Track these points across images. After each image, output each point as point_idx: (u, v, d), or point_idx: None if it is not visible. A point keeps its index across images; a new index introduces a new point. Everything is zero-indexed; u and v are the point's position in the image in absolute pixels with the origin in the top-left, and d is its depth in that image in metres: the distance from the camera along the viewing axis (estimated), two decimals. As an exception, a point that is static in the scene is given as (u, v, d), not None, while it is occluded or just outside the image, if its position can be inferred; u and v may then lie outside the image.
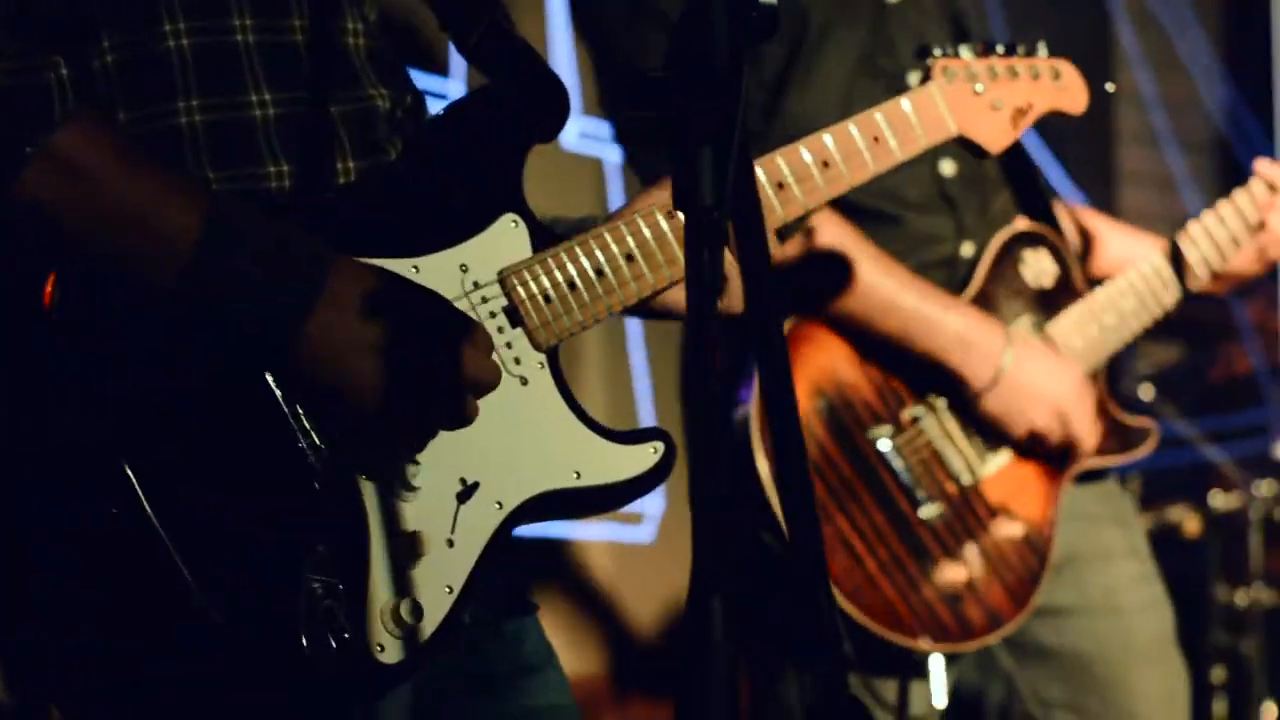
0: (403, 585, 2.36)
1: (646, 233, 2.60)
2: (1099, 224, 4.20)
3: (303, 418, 2.32)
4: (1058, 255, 3.89)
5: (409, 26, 2.90)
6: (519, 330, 2.50)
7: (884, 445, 3.66)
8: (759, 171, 2.69)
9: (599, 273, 2.57)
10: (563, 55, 5.63)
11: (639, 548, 6.25)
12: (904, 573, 3.63)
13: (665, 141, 3.54)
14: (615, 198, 6.06)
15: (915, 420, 3.70)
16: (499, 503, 2.46)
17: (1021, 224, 3.89)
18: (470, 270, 2.49)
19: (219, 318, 2.27)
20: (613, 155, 5.94)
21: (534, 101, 2.57)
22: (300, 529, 2.30)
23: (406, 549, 2.38)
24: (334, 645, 2.29)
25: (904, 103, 2.98)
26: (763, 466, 3.52)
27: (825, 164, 2.78)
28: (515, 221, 2.54)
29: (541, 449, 2.50)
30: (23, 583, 2.27)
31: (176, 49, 2.39)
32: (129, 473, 2.22)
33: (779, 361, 2.01)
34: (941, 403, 3.71)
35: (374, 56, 2.56)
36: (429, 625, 2.38)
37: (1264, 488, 6.35)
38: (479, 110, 2.58)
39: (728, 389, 3.57)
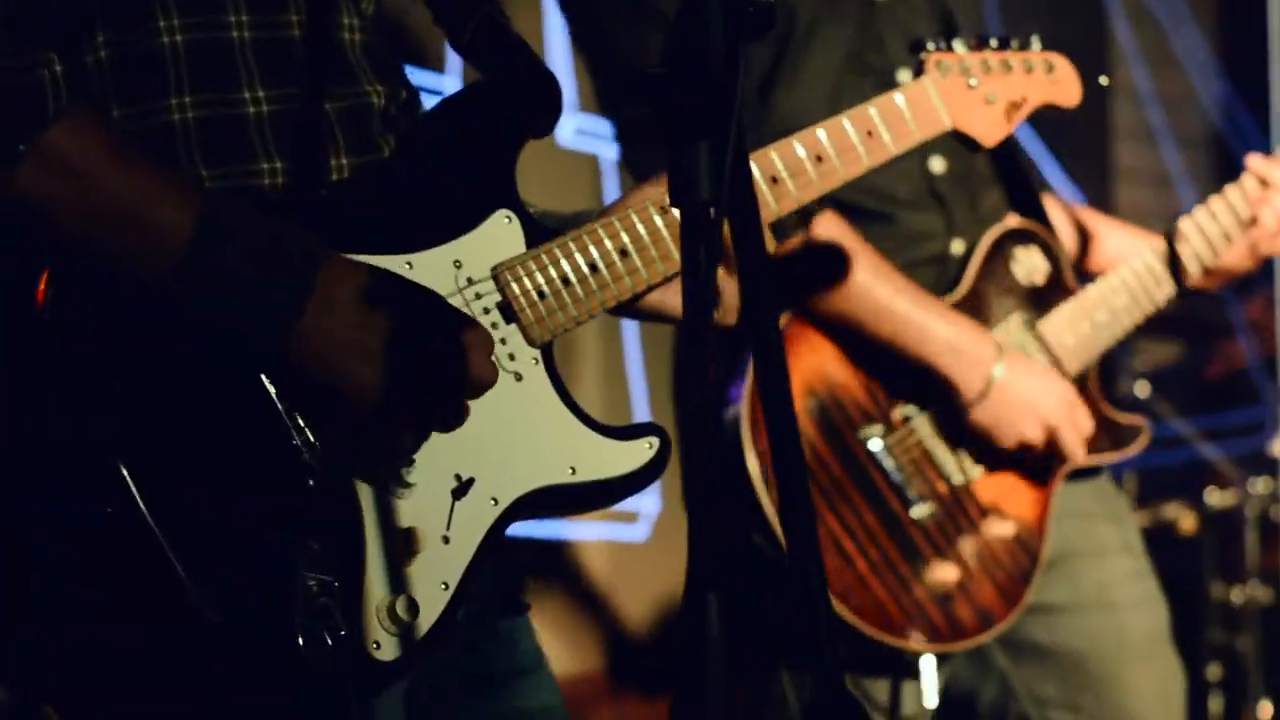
0: (398, 582, 2.36)
1: (641, 228, 2.59)
2: (1096, 221, 4.19)
3: (296, 415, 2.32)
4: (1049, 252, 3.89)
5: (404, 23, 2.90)
6: (513, 326, 2.50)
7: (875, 445, 3.66)
8: (752, 166, 2.68)
9: (593, 268, 2.56)
10: (558, 51, 5.63)
11: (634, 547, 6.26)
12: (895, 573, 3.63)
13: (664, 139, 3.55)
14: (611, 194, 6.06)
15: (906, 420, 3.69)
16: (494, 499, 2.45)
17: (1013, 221, 3.88)
18: (464, 266, 2.48)
19: (212, 315, 2.27)
20: (609, 152, 5.94)
21: (527, 97, 2.57)
22: (295, 527, 2.30)
23: (402, 546, 2.37)
24: (330, 643, 2.29)
25: (898, 97, 2.97)
26: (753, 465, 3.52)
27: (819, 158, 2.78)
28: (509, 217, 2.53)
29: (536, 445, 2.49)
30: (19, 582, 2.26)
31: (170, 45, 2.39)
32: (124, 472, 2.21)
33: (775, 359, 2.01)
34: (932, 410, 3.70)
35: (369, 52, 2.56)
36: (425, 622, 2.38)
37: (1260, 485, 6.36)
38: (472, 106, 2.57)
39: (721, 388, 3.57)
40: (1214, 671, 6.41)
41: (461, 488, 2.43)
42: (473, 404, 2.40)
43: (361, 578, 2.34)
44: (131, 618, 2.24)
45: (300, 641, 2.27)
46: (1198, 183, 7.99)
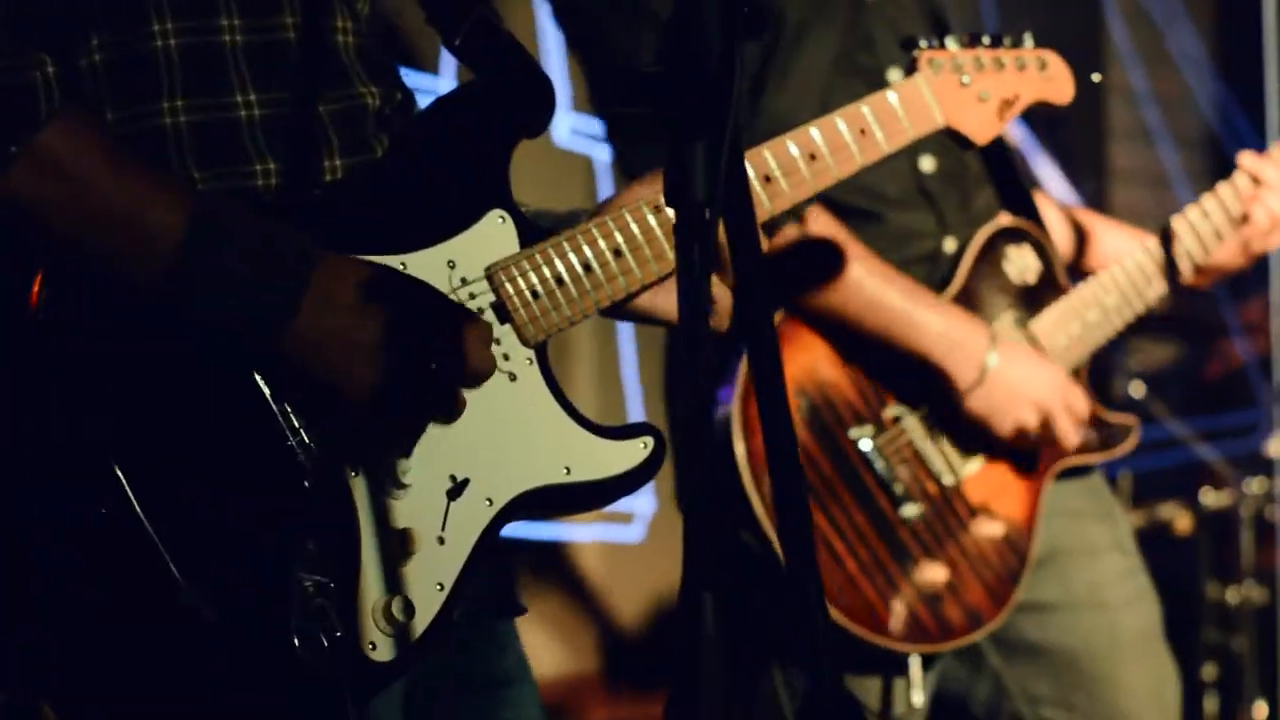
0: (394, 583, 2.36)
1: (635, 227, 2.59)
2: (1092, 221, 4.19)
3: (291, 415, 2.32)
4: (1041, 251, 3.88)
5: (398, 24, 2.90)
6: (507, 326, 2.50)
7: (865, 445, 3.65)
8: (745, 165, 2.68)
9: (587, 268, 2.56)
10: (552, 51, 5.63)
11: (629, 547, 6.27)
12: (884, 573, 3.62)
13: (657, 139, 3.55)
14: (605, 194, 6.04)
15: (897, 420, 3.69)
16: (489, 499, 2.45)
17: (1005, 220, 3.88)
18: (458, 266, 2.48)
19: (207, 315, 2.27)
20: (602, 152, 5.95)
21: (521, 97, 2.57)
22: (290, 527, 2.30)
23: (397, 546, 2.37)
24: (325, 643, 2.29)
25: (890, 95, 2.97)
26: (743, 465, 3.51)
27: (812, 157, 2.78)
28: (503, 217, 2.53)
29: (531, 445, 2.49)
30: (17, 582, 2.26)
31: (163, 49, 2.39)
32: (118, 472, 2.21)
33: (770, 360, 2.01)
34: (923, 409, 3.70)
35: (363, 54, 2.56)
36: (420, 623, 2.38)
37: (1255, 485, 6.36)
38: (466, 106, 2.58)
39: (712, 389, 3.56)
40: (1209, 671, 6.40)
41: (456, 488, 2.43)
42: (468, 404, 2.40)
43: (357, 578, 2.34)
44: (127, 618, 2.24)
45: (296, 642, 2.27)
46: (1194, 183, 8.00)
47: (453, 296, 2.47)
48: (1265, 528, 6.35)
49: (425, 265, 2.45)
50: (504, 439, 2.47)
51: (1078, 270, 4.06)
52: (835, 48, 3.75)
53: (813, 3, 3.74)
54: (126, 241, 2.25)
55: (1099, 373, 3.96)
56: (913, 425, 3.69)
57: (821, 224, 3.64)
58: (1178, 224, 3.96)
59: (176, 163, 2.37)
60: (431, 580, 2.39)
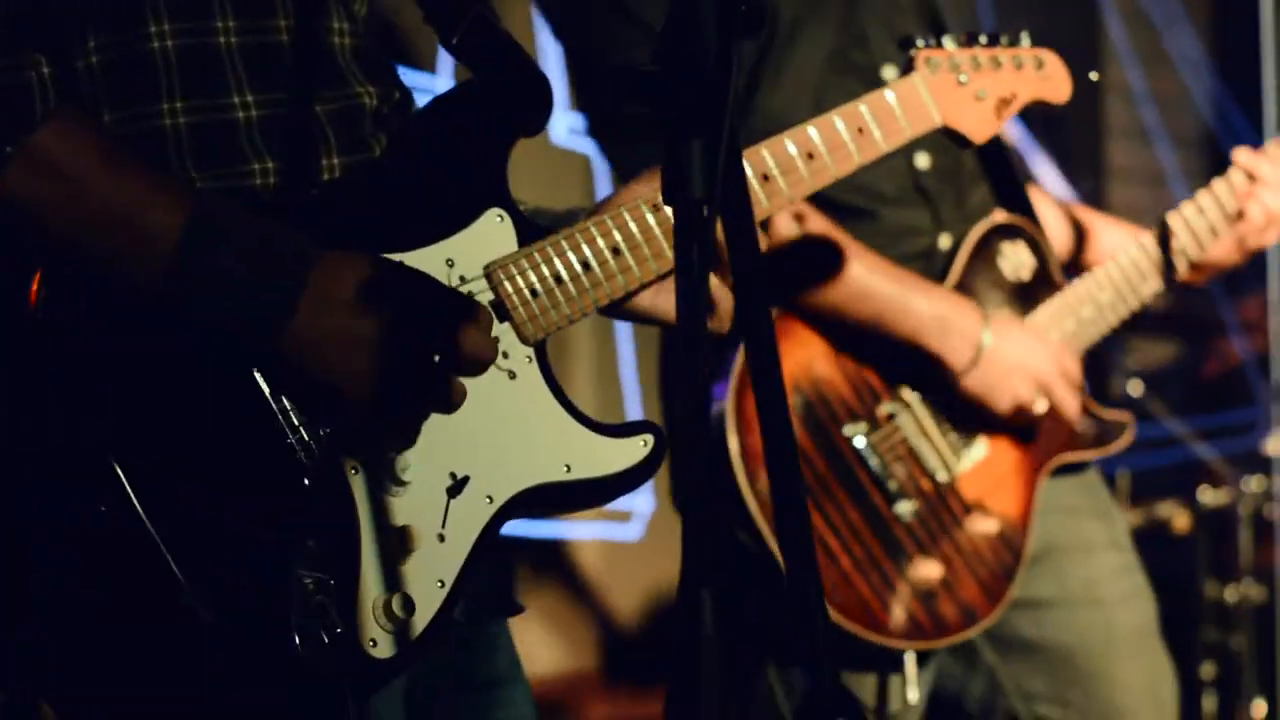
0: (394, 580, 2.36)
1: (633, 226, 2.59)
2: (1090, 217, 4.19)
3: (291, 414, 2.32)
4: (1035, 247, 3.88)
5: (395, 23, 2.90)
6: (506, 325, 2.50)
7: (859, 442, 3.65)
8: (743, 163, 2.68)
9: (586, 267, 2.56)
10: (550, 50, 5.62)
11: (628, 545, 6.27)
12: (879, 570, 3.63)
13: (640, 135, 3.54)
14: (603, 193, 6.04)
15: (891, 417, 3.69)
16: (489, 497, 2.46)
17: (1000, 216, 3.88)
18: (456, 265, 2.49)
19: (205, 316, 2.27)
20: (600, 151, 5.93)
21: (519, 96, 2.57)
22: (290, 525, 2.30)
23: (397, 544, 2.38)
24: (326, 641, 2.29)
25: (888, 94, 2.98)
26: (737, 463, 3.52)
27: (810, 155, 2.78)
28: (501, 216, 2.53)
29: (531, 443, 2.50)
30: (17, 582, 2.26)
31: (161, 50, 2.39)
32: (118, 471, 2.21)
33: (769, 356, 2.01)
34: (917, 398, 3.70)
35: (360, 55, 2.56)
36: (421, 620, 2.38)
37: (1253, 484, 6.36)
38: (464, 104, 2.58)
39: (711, 388, 3.57)
40: (1208, 670, 6.41)
41: (457, 486, 2.43)
42: (467, 402, 2.40)
43: (357, 576, 2.34)
44: (128, 617, 2.24)
45: (296, 640, 2.27)
46: (1191, 181, 8.00)
47: (451, 295, 2.47)
48: (1263, 526, 6.36)
49: (424, 264, 2.45)
50: (504, 436, 2.47)
51: (1076, 266, 4.06)
52: (829, 45, 3.75)
53: (806, 1, 3.74)
54: (124, 243, 2.25)
55: (1097, 371, 3.96)
56: (907, 422, 3.69)
57: (814, 222, 3.64)
58: (1173, 220, 3.96)
59: (175, 163, 2.38)
60: (432, 577, 2.40)
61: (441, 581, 2.41)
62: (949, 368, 3.68)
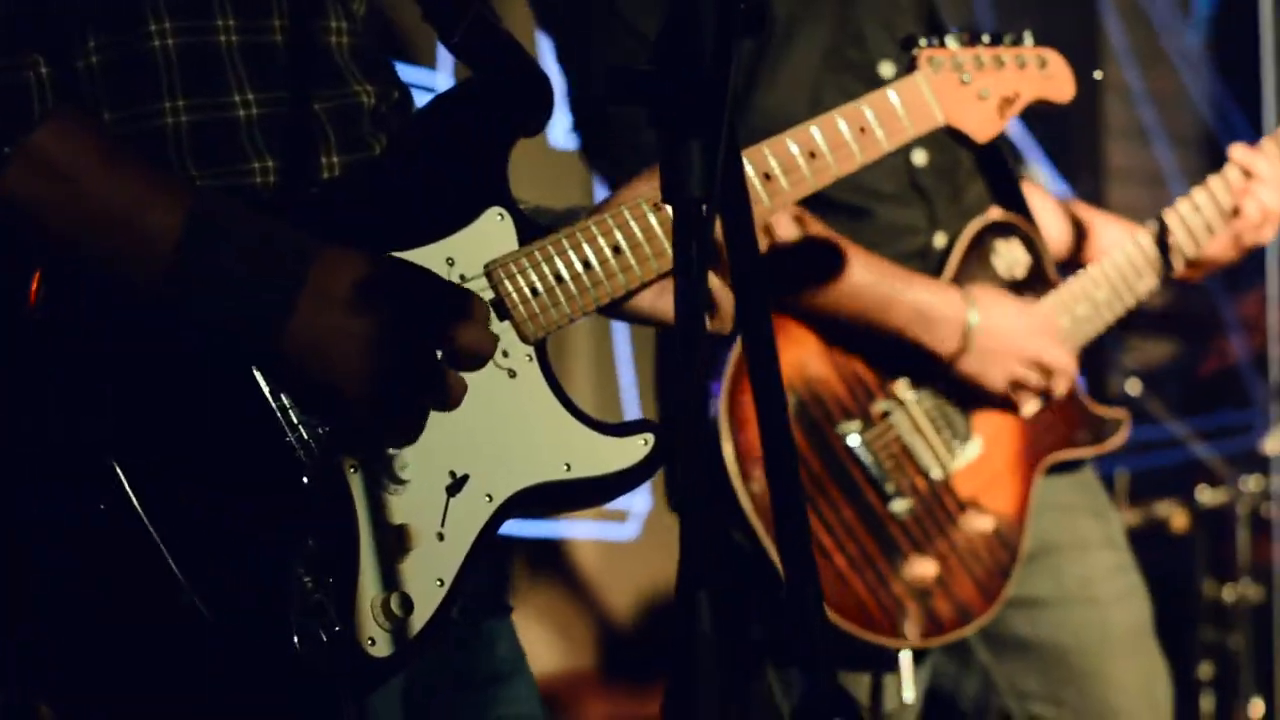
0: (392, 579, 2.36)
1: (634, 225, 2.59)
2: (1090, 215, 4.19)
3: (290, 412, 2.32)
4: (1030, 245, 3.88)
5: (395, 20, 2.89)
6: (506, 323, 2.50)
7: (853, 440, 3.65)
8: (745, 163, 2.68)
9: (586, 265, 2.56)
10: (549, 50, 5.61)
11: (625, 544, 6.27)
12: (873, 569, 3.62)
13: (623, 133, 3.54)
14: (602, 193, 6.04)
15: (885, 415, 3.69)
16: (489, 495, 2.45)
17: (994, 214, 3.87)
18: (456, 264, 2.48)
19: (205, 315, 2.27)
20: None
21: (519, 95, 2.57)
22: (289, 524, 2.30)
23: (396, 542, 2.37)
24: (324, 639, 2.29)
25: (890, 94, 2.98)
26: (730, 462, 3.51)
27: (812, 155, 2.78)
28: (501, 215, 2.53)
29: (531, 441, 2.49)
30: (17, 582, 2.26)
31: (161, 49, 2.39)
32: (117, 470, 2.21)
33: (767, 356, 2.01)
34: (912, 396, 3.70)
35: (357, 53, 2.56)
36: (419, 619, 2.37)
37: (1251, 483, 6.36)
38: (464, 104, 2.57)
39: (708, 387, 3.56)
40: (1205, 670, 6.40)
41: (456, 484, 2.43)
42: (467, 400, 2.39)
43: (356, 574, 2.34)
44: (127, 617, 2.24)
45: (295, 639, 2.26)
46: (1190, 180, 7.98)
47: (451, 294, 2.47)
48: (1261, 525, 6.36)
49: (424, 262, 2.44)
50: (503, 435, 2.47)
51: (1074, 264, 4.05)
52: (825, 43, 3.75)
53: None
54: (124, 243, 2.25)
55: (1095, 370, 3.96)
56: (901, 420, 3.69)
57: (811, 224, 3.64)
58: (1169, 217, 3.95)
59: (176, 162, 2.37)
60: (431, 576, 2.40)
61: (440, 580, 2.40)
62: (940, 358, 3.67)
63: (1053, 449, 3.85)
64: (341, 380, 2.29)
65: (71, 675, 2.27)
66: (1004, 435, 3.78)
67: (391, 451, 2.38)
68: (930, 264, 3.80)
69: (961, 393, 3.72)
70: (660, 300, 2.66)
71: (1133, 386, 6.66)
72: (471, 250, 2.50)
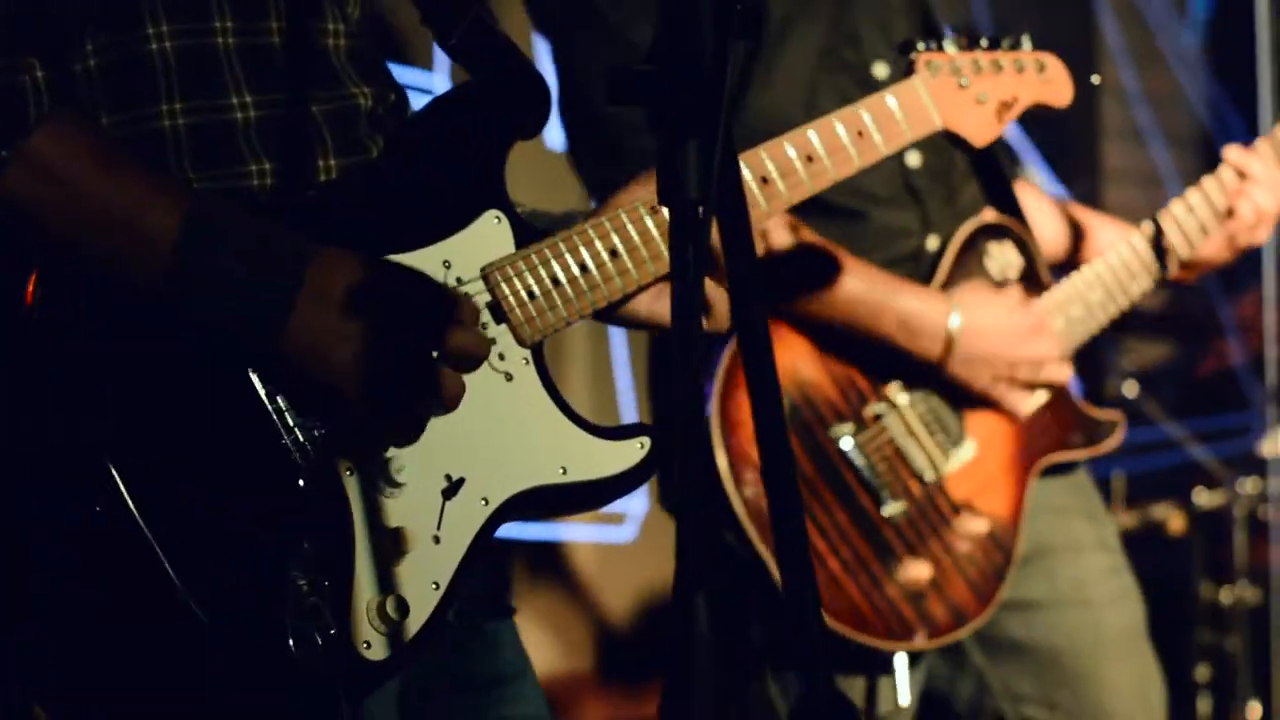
0: (388, 582, 2.36)
1: (631, 228, 2.59)
2: (1086, 216, 4.18)
3: (286, 414, 2.32)
4: (1023, 247, 3.88)
5: (392, 22, 2.89)
6: (503, 327, 2.50)
7: (846, 444, 3.65)
8: (742, 166, 2.68)
9: (583, 268, 2.56)
10: (547, 52, 5.61)
11: (621, 547, 6.27)
12: (867, 572, 3.62)
13: (612, 134, 3.53)
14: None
15: (878, 418, 3.68)
16: (485, 499, 2.45)
17: (987, 216, 3.87)
18: (453, 267, 2.48)
19: (204, 316, 2.27)
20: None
21: (516, 98, 2.57)
22: (285, 527, 2.30)
23: (392, 546, 2.37)
24: (320, 642, 2.28)
25: (888, 97, 2.97)
26: (722, 464, 3.51)
27: (809, 159, 2.78)
28: (498, 218, 2.53)
29: (527, 445, 2.49)
30: (15, 582, 2.26)
31: (159, 52, 2.39)
32: (113, 471, 2.21)
33: (764, 358, 2.01)
34: (905, 399, 3.70)
35: (354, 56, 2.56)
36: (415, 622, 2.37)
37: (1248, 485, 6.36)
38: (461, 106, 2.57)
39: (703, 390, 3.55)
40: (1202, 672, 6.40)
41: (452, 488, 2.43)
42: (464, 403, 2.39)
43: (351, 577, 2.34)
44: (123, 618, 2.24)
45: (290, 641, 2.26)
46: (1186, 181, 7.99)
47: (448, 295, 2.47)
48: (1258, 527, 6.36)
49: (421, 265, 2.44)
50: (500, 439, 2.47)
51: (1071, 265, 4.04)
52: (820, 43, 3.74)
53: None
54: (123, 244, 2.25)
55: (1092, 372, 3.95)
56: (894, 423, 3.68)
57: (805, 232, 3.64)
58: (1163, 219, 3.95)
59: (174, 164, 2.38)
60: (426, 579, 2.39)
61: (436, 583, 2.40)
62: (928, 365, 3.67)
63: (1047, 451, 3.84)
64: (341, 380, 2.29)
65: (69, 675, 2.27)
66: (998, 438, 3.78)
67: (388, 454, 2.38)
68: (923, 267, 3.79)
69: (954, 395, 3.72)
70: (657, 304, 2.65)
71: (1130, 388, 6.66)
72: (468, 253, 2.50)
